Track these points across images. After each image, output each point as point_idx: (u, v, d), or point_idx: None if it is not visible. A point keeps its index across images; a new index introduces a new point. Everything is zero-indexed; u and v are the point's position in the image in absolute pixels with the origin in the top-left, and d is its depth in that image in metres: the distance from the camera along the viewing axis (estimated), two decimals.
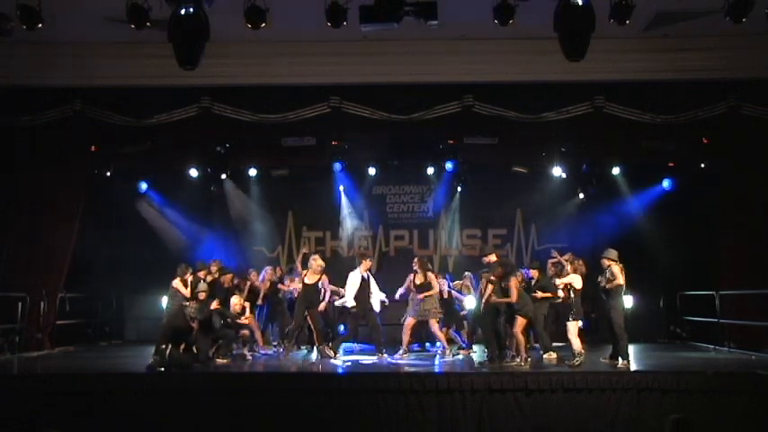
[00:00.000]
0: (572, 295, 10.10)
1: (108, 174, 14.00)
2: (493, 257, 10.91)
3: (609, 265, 10.06)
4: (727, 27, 9.23)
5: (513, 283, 10.01)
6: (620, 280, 9.94)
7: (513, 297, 9.93)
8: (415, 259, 11.76)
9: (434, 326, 11.38)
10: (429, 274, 11.44)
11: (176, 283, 11.47)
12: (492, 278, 10.28)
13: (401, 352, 11.24)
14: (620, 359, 9.92)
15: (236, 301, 11.28)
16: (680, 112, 11.30)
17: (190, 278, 11.53)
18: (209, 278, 11.81)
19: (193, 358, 9.97)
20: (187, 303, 10.48)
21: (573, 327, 9.99)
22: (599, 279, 10.23)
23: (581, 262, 10.48)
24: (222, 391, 8.82)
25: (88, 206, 12.95)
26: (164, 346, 9.55)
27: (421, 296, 11.22)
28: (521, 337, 10.05)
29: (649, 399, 8.68)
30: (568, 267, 10.36)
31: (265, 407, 8.67)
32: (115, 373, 9.52)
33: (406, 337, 11.40)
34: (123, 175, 14.45)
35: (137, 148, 12.93)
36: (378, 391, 8.74)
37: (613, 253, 10.17)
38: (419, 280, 11.39)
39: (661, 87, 11.23)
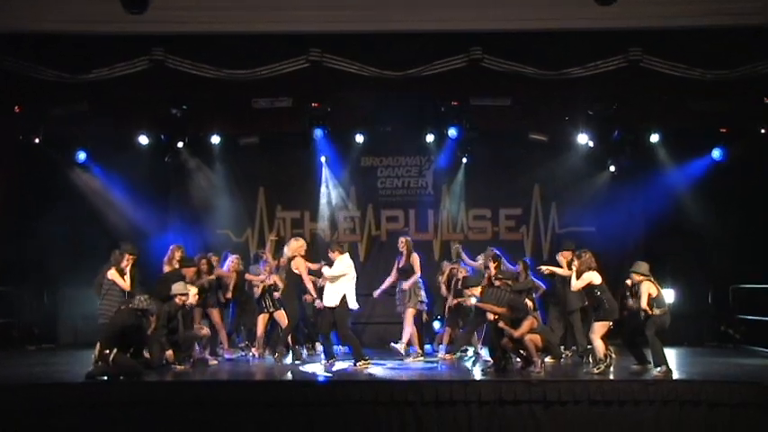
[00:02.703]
0: (597, 293, 10.25)
1: (37, 141, 13.87)
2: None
3: (639, 281, 10.09)
4: None
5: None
6: (643, 302, 9.92)
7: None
8: (401, 239, 12.21)
9: (409, 317, 11.80)
10: (413, 256, 11.86)
11: (112, 273, 11.27)
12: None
13: (400, 346, 11.70)
14: (652, 366, 9.99)
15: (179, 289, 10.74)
16: (735, 66, 11.28)
17: (127, 264, 11.40)
18: (166, 268, 11.78)
19: (145, 365, 9.99)
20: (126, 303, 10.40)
21: (598, 327, 10.11)
22: (629, 300, 10.36)
23: (588, 255, 10.49)
24: (181, 403, 8.82)
25: (12, 181, 12.87)
26: (107, 351, 9.54)
27: (406, 285, 11.76)
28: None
29: (694, 413, 8.74)
30: (575, 264, 10.50)
31: (233, 422, 8.70)
32: (46, 384, 9.44)
33: (407, 331, 11.78)
34: (56, 142, 14.36)
35: (72, 109, 12.83)
36: (366, 403, 8.78)
37: (644, 266, 10.19)
38: (402, 263, 11.87)
39: (712, 36, 11.19)
